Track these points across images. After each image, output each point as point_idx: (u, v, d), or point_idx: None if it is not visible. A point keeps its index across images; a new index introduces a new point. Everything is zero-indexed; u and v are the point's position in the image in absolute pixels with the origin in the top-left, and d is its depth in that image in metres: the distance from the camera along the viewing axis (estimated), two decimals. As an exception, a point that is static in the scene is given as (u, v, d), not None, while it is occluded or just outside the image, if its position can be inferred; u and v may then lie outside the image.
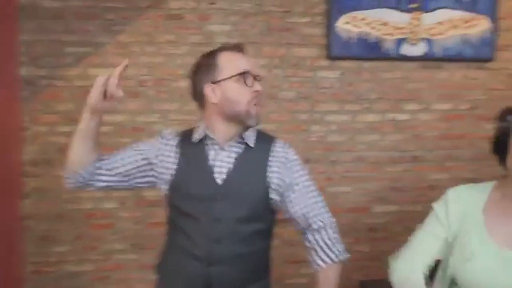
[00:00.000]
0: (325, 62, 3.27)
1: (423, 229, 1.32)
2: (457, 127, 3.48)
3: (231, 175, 1.49)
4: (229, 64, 1.49)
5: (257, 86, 1.50)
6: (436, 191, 3.48)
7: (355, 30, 3.24)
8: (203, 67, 1.53)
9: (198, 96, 1.55)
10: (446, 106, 3.45)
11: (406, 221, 3.46)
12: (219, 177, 1.49)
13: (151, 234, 3.12)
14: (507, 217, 1.16)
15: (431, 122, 3.44)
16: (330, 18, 3.21)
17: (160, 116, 3.13)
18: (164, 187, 1.58)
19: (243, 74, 1.48)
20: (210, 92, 1.51)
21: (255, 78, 1.52)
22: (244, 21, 3.18)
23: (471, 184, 1.27)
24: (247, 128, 1.53)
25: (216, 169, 1.51)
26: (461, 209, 1.24)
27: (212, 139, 1.53)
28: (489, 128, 3.51)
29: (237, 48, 1.54)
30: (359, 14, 3.24)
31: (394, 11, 3.28)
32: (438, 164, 3.47)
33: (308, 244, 1.60)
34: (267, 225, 1.58)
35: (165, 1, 3.12)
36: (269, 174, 1.50)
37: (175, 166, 1.54)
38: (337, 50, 3.24)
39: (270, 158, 1.52)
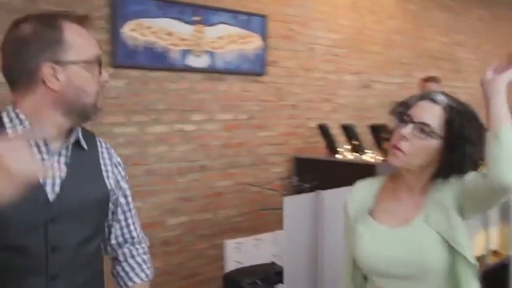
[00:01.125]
0: (110, 70, 3.03)
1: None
2: (237, 136, 3.71)
3: (66, 186, 1.15)
4: (79, 42, 1.14)
5: (105, 75, 1.21)
6: (222, 197, 3.65)
7: (142, 38, 3.11)
8: (40, 38, 1.11)
9: (23, 74, 1.12)
10: (227, 116, 3.64)
11: (197, 230, 3.51)
12: (51, 192, 1.13)
13: None
14: (390, 201, 1.27)
15: (215, 131, 3.57)
16: (114, 23, 2.99)
17: None
18: None
19: (96, 60, 1.16)
20: (50, 74, 1.11)
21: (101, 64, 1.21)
22: (11, 18, 2.67)
23: (372, 178, 1.39)
24: (80, 123, 1.20)
25: (47, 181, 1.12)
26: (358, 197, 1.33)
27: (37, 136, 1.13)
28: (263, 136, 3.89)
29: (85, 21, 1.18)
30: (145, 21, 3.12)
31: (178, 22, 3.27)
32: (223, 171, 3.64)
33: (121, 258, 1.38)
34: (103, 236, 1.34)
35: None
36: (105, 178, 1.26)
37: None
38: (123, 58, 3.05)
39: (101, 160, 1.27)
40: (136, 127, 3.16)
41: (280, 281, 1.89)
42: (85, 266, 1.20)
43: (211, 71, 3.48)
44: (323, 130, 4.02)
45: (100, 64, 1.19)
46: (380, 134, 3.54)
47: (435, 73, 5.32)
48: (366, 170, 3.34)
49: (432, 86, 3.78)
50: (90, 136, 1.28)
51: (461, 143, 1.18)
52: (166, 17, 3.21)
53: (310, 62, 4.16)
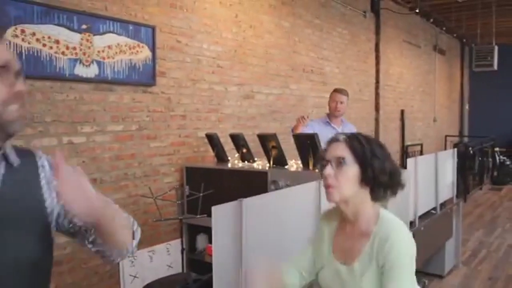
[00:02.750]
0: (-11, 79, 2.77)
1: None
2: (129, 147, 3.64)
3: None
4: None
5: (20, 85, 1.12)
6: (115, 211, 3.54)
7: (25, 45, 2.90)
8: None
9: None
10: (118, 127, 3.56)
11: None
12: None
13: None
14: (344, 236, 1.48)
15: (106, 143, 3.47)
16: (-7, 28, 2.75)
17: None
18: None
19: (4, 67, 1.08)
20: None
21: (17, 73, 1.13)
22: None
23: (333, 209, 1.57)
24: (5, 139, 1.15)
25: None
26: (324, 229, 1.57)
27: None
28: (154, 147, 3.87)
29: None
30: (28, 27, 2.92)
31: (65, 30, 3.12)
32: (115, 184, 3.54)
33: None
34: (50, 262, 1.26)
35: None
36: (44, 194, 1.20)
37: None
38: (4, 66, 2.80)
39: (41, 175, 1.21)
40: (22, 140, 2.93)
41: (201, 287, 1.95)
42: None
43: (100, 81, 3.37)
44: (212, 139, 4.14)
45: (13, 73, 1.13)
46: (268, 143, 3.79)
47: (307, 84, 5.83)
48: (257, 177, 3.54)
49: (338, 96, 4.09)
50: (25, 153, 1.22)
51: (368, 160, 1.42)
52: (52, 24, 3.05)
53: (197, 73, 4.25)
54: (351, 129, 4.06)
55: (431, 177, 4.02)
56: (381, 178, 1.42)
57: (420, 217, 3.75)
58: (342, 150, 1.44)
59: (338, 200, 1.43)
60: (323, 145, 4.06)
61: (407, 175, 3.37)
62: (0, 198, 1.11)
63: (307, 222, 2.28)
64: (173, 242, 3.96)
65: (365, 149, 1.43)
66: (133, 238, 1.28)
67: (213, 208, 1.67)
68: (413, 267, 1.42)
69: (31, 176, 1.20)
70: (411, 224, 3.56)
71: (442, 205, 4.34)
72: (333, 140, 1.49)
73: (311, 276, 1.56)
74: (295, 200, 2.23)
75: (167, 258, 3.90)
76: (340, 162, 1.42)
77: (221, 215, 1.72)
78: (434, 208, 4.11)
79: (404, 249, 1.38)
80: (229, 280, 1.79)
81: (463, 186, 8.81)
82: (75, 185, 1.04)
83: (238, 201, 1.78)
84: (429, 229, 3.86)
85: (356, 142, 1.45)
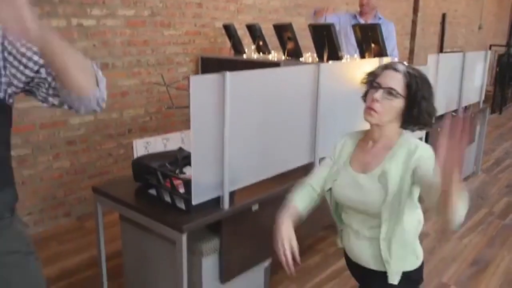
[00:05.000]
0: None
1: (320, 165, 1.73)
2: (141, 33, 3.58)
3: None
4: None
5: None
6: (128, 97, 3.59)
7: None
8: None
9: None
10: (129, 12, 3.47)
11: (104, 130, 3.46)
12: None
13: None
14: (364, 152, 1.57)
15: (117, 28, 3.41)
16: None
17: None
18: None
19: None
20: None
21: None
22: None
23: (356, 131, 1.66)
24: None
25: None
26: (341, 146, 1.65)
27: None
28: (168, 35, 3.80)
29: None
30: None
31: None
32: (127, 70, 3.54)
33: None
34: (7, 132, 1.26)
35: None
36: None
37: None
38: None
39: None
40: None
41: (188, 163, 1.98)
42: None
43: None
44: (228, 30, 4.01)
45: None
46: (283, 33, 3.63)
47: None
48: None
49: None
50: None
51: (418, 100, 1.46)
52: None
53: (215, -42, 4.02)
54: (388, 28, 3.72)
55: (455, 77, 3.81)
56: (421, 119, 1.48)
57: (437, 117, 3.61)
58: (398, 82, 1.46)
59: (375, 123, 1.50)
60: (343, 38, 3.92)
61: (425, 71, 3.20)
62: None
63: (302, 104, 2.23)
64: (187, 132, 4.02)
65: (418, 91, 1.46)
66: (98, 86, 1.22)
67: (192, 79, 1.63)
68: None
69: None
70: (426, 124, 3.45)
71: (466, 109, 4.17)
72: (393, 68, 1.49)
73: (322, 190, 1.65)
74: (293, 80, 2.15)
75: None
76: (391, 93, 1.46)
77: (202, 87, 1.69)
78: (455, 111, 3.95)
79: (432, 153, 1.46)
80: (210, 158, 1.80)
81: (501, 98, 8.44)
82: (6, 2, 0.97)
83: (221, 74, 1.73)
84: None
85: (412, 79, 1.47)
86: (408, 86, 1.46)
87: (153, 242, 2.01)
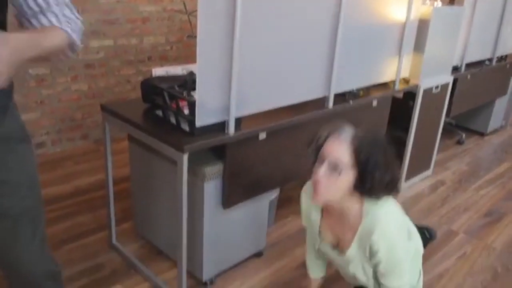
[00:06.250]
0: None
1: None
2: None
3: None
4: None
5: None
6: (148, 23, 3.52)
7: None
8: None
9: None
10: None
11: (123, 55, 3.43)
12: None
13: None
14: (331, 221, 1.47)
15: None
16: None
17: None
18: None
19: None
20: None
21: None
22: None
23: None
24: None
25: None
26: (306, 207, 1.57)
27: None
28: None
29: None
30: None
31: None
32: (149, -5, 3.46)
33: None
34: None
35: None
36: None
37: None
38: None
39: None
40: None
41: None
42: None
43: None
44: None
45: None
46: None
47: None
48: None
49: None
50: None
51: (369, 170, 1.26)
52: None
53: None
54: None
55: (493, 22, 3.57)
56: (377, 188, 1.30)
57: (469, 64, 3.44)
58: (343, 153, 1.26)
59: (322, 203, 1.36)
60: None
61: (459, 12, 3.00)
62: None
63: (321, 30, 2.11)
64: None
65: (369, 157, 1.26)
66: (71, 49, 1.19)
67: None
68: (408, 257, 1.41)
69: None
70: (456, 69, 3.29)
71: (502, 58, 3.94)
72: (337, 136, 1.29)
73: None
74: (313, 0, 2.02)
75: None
76: (336, 167, 1.27)
77: (210, 10, 1.60)
78: (490, 60, 3.74)
79: (392, 242, 1.33)
80: (216, 79, 1.75)
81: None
82: None
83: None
84: (478, 79, 3.56)
85: (361, 145, 1.27)
86: (356, 153, 1.26)
87: (158, 163, 2.01)
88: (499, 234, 2.68)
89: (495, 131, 4.40)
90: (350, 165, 1.26)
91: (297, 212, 2.71)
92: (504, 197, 3.14)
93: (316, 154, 1.33)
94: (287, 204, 2.74)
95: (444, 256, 2.43)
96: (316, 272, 1.73)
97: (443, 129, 3.30)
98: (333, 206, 1.38)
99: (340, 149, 1.27)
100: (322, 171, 1.27)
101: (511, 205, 3.03)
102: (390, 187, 1.33)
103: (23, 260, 1.31)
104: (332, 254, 1.52)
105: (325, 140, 1.31)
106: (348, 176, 1.27)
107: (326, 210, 1.47)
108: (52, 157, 3.18)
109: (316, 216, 1.51)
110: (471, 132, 4.29)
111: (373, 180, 1.27)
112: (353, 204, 1.35)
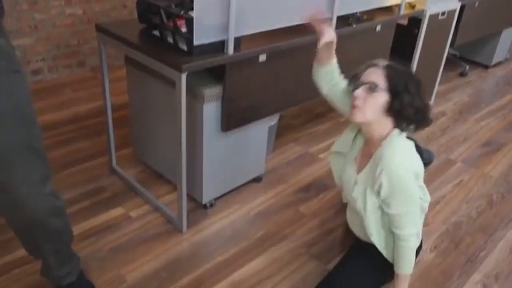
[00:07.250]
0: None
1: None
2: None
3: None
4: None
5: None
6: None
7: None
8: None
9: None
10: None
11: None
12: None
13: None
14: (362, 151, 1.62)
15: None
16: None
17: None
18: None
19: None
20: None
21: None
22: None
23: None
24: None
25: None
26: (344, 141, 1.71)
27: None
28: None
29: None
30: None
31: None
32: None
33: None
34: None
35: None
36: None
37: None
38: None
39: None
40: None
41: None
42: None
43: None
44: None
45: None
46: None
47: None
48: None
49: None
50: None
51: (399, 92, 1.43)
52: None
53: None
54: None
55: None
56: (406, 112, 1.45)
57: (477, -8, 3.30)
58: (377, 77, 1.45)
59: (359, 121, 1.49)
60: None
61: None
62: None
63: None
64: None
65: (399, 81, 1.45)
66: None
67: None
68: (414, 189, 1.48)
69: None
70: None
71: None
72: (372, 65, 1.50)
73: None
74: None
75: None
76: (372, 87, 1.44)
77: None
78: (500, -13, 3.59)
79: (397, 174, 1.43)
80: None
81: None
82: None
83: None
84: (486, 8, 3.44)
85: (393, 72, 1.46)
86: (389, 77, 1.44)
87: (157, 86, 1.98)
88: (497, 164, 2.70)
89: (499, 63, 4.32)
90: (383, 88, 1.44)
91: (296, 139, 2.72)
92: (504, 128, 3.13)
93: (354, 83, 1.52)
94: (287, 132, 2.73)
95: (441, 184, 2.46)
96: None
97: (447, 60, 3.23)
98: (366, 133, 1.56)
99: (375, 74, 1.47)
100: (360, 91, 1.46)
101: (510, 136, 3.03)
102: (419, 117, 1.49)
103: (22, 197, 1.24)
104: (353, 179, 1.62)
105: (363, 71, 1.51)
106: (381, 97, 1.44)
107: (365, 143, 1.62)
108: (49, 84, 3.13)
109: (359, 143, 1.65)
110: (475, 64, 4.21)
111: (402, 103, 1.44)
112: (381, 131, 1.50)
